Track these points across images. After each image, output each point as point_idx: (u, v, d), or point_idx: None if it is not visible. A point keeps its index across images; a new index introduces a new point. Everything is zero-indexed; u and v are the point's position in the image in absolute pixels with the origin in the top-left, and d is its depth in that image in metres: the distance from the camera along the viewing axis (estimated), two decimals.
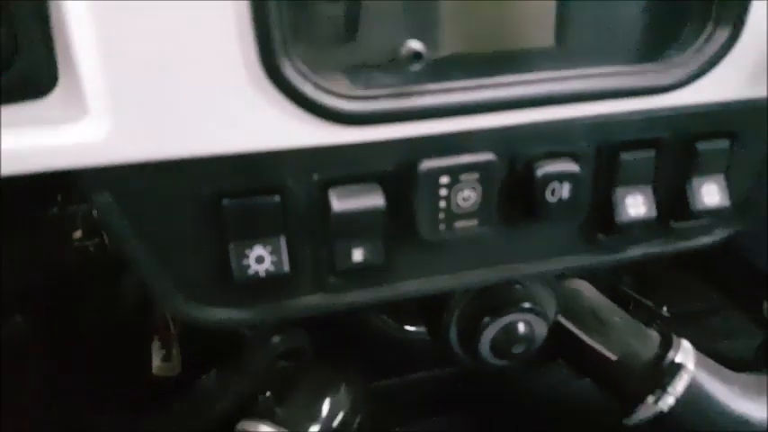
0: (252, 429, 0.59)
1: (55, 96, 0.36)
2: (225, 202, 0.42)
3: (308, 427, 0.60)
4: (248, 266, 0.43)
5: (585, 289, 0.71)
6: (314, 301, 0.48)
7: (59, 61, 0.35)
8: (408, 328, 0.70)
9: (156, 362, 0.65)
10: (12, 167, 0.37)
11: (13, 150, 0.37)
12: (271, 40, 0.38)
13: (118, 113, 0.38)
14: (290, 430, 0.59)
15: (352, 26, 0.41)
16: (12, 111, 0.36)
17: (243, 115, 0.40)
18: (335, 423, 0.62)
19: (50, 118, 0.37)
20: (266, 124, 0.40)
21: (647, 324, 0.71)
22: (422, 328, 0.69)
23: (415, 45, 0.40)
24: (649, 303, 0.74)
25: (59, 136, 0.37)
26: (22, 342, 0.63)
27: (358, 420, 0.64)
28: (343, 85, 0.42)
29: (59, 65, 0.36)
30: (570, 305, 0.69)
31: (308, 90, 0.40)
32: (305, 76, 0.40)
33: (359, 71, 0.42)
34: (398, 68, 0.42)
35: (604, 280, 0.75)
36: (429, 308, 0.61)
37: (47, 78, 0.35)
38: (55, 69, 0.35)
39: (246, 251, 0.43)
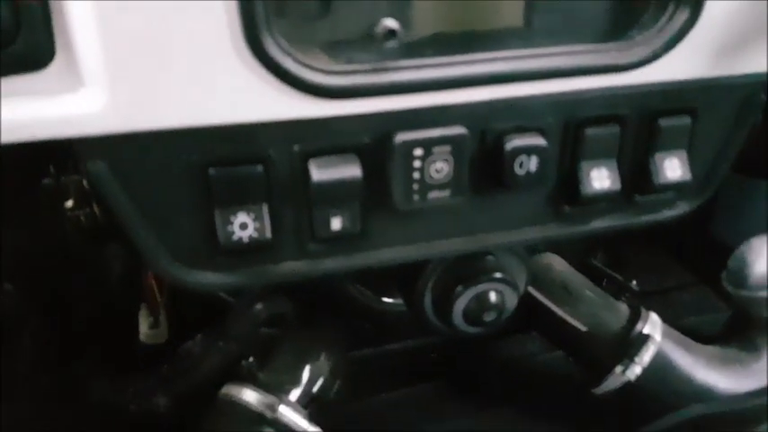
0: (235, 393, 0.61)
1: (52, 69, 0.38)
2: (211, 170, 0.44)
3: (289, 391, 0.62)
4: (233, 232, 0.45)
5: (557, 263, 0.74)
6: (294, 267, 0.49)
7: (57, 36, 0.37)
8: (385, 299, 0.71)
9: (144, 329, 0.67)
10: (11, 136, 0.39)
11: (12, 120, 0.38)
12: (254, 16, 0.40)
13: (112, 86, 0.39)
14: (272, 394, 0.61)
15: (329, 3, 0.43)
16: (12, 82, 0.37)
17: (228, 88, 0.42)
18: (315, 388, 0.64)
19: (48, 89, 0.38)
20: (250, 97, 0.42)
21: (617, 298, 0.73)
22: (398, 300, 0.71)
23: (389, 23, 0.42)
24: (620, 278, 0.76)
25: (56, 107, 0.39)
26: (12, 309, 0.64)
27: (337, 386, 0.66)
28: (322, 60, 0.44)
29: (57, 39, 0.37)
30: (541, 277, 0.71)
31: (290, 65, 0.42)
32: (286, 52, 0.42)
33: (337, 47, 0.44)
34: (375, 45, 0.44)
35: (577, 255, 0.77)
36: (404, 277, 0.62)
37: (45, 52, 0.37)
38: (53, 43, 0.37)
39: (231, 218, 0.45)
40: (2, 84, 0.37)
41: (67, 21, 0.37)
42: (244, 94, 0.42)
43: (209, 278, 0.48)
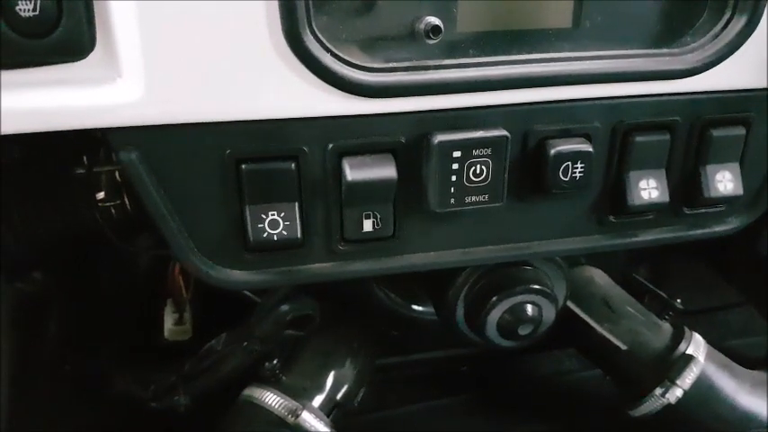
0: (257, 395, 0.60)
1: (92, 59, 0.38)
2: (243, 166, 0.44)
3: (312, 397, 0.61)
4: (263, 230, 0.45)
5: (598, 277, 0.71)
6: (323, 268, 0.48)
7: (98, 26, 0.37)
8: (415, 307, 0.70)
9: (169, 325, 0.66)
10: (48, 125, 0.39)
11: (50, 108, 0.39)
12: (294, 11, 0.39)
13: (149, 77, 0.39)
14: (295, 399, 0.60)
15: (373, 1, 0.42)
16: (51, 71, 0.38)
17: (264, 83, 0.41)
18: (339, 395, 0.62)
19: (86, 79, 0.39)
20: (286, 93, 0.42)
21: (660, 316, 0.70)
22: (429, 308, 0.70)
23: (434, 20, 0.41)
24: (663, 295, 0.73)
25: (94, 96, 0.39)
26: (40, 299, 0.65)
27: (361, 394, 0.64)
28: (361, 57, 0.43)
29: (98, 30, 0.37)
30: (582, 291, 0.69)
31: (327, 61, 0.41)
32: (325, 48, 0.41)
33: (377, 45, 0.43)
34: (416, 43, 0.43)
35: (619, 269, 0.75)
36: (436, 284, 0.61)
37: (86, 42, 0.37)
38: (93, 34, 0.37)
39: (262, 215, 0.45)
40: (41, 72, 0.37)
41: (109, 12, 0.37)
42: (279, 90, 0.41)
43: (235, 275, 0.47)
